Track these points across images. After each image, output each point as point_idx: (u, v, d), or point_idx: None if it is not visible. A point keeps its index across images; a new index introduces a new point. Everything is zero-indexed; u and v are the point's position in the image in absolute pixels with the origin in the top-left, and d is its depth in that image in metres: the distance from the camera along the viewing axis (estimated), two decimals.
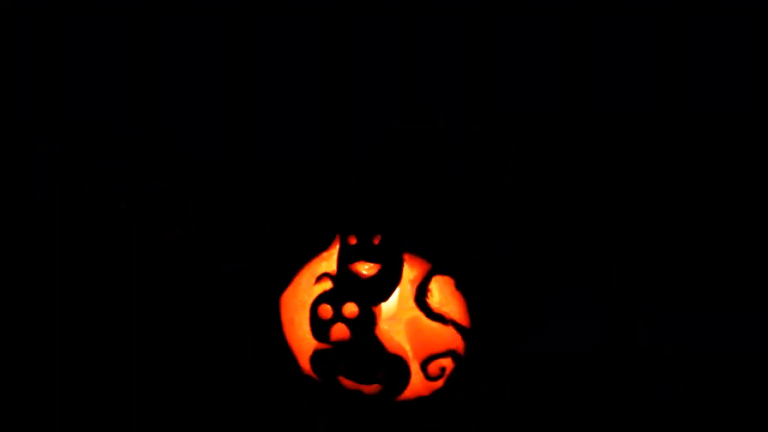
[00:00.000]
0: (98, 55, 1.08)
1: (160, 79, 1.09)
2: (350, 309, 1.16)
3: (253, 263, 1.25)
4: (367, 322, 1.16)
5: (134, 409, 1.01)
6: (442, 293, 1.17)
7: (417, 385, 1.13)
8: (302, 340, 1.18)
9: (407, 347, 1.18)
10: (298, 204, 1.17)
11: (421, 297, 1.17)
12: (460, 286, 1.15)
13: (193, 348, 1.13)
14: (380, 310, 1.20)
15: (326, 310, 1.17)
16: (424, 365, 1.15)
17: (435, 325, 1.16)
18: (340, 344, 1.15)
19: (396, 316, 1.18)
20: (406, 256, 1.16)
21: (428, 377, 1.13)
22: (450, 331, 1.15)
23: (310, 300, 1.16)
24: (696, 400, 0.99)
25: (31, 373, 0.97)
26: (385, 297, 1.18)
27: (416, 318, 1.19)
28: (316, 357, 1.15)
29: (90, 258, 1.09)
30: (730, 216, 1.10)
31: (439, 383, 1.12)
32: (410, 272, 1.18)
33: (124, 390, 1.05)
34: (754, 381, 1.01)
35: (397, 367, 1.14)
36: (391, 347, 1.17)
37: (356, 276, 1.15)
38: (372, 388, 1.11)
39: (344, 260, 1.16)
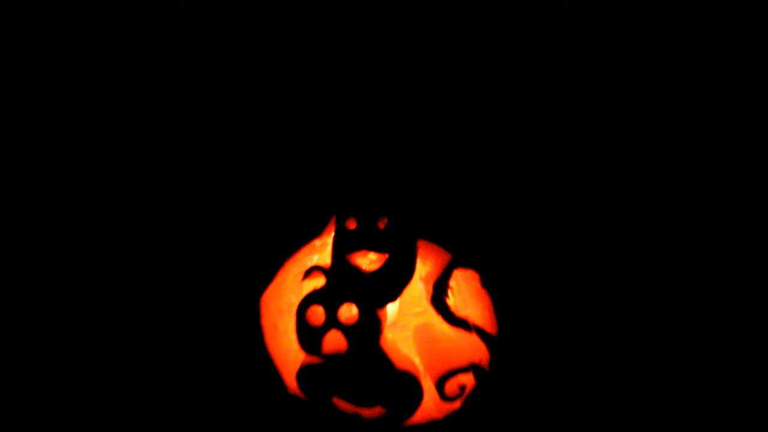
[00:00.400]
0: None
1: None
2: (348, 312, 0.87)
3: (239, 262, 0.95)
4: (369, 329, 0.85)
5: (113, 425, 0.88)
6: (459, 293, 0.88)
7: (429, 406, 0.87)
8: (287, 352, 0.89)
9: (416, 359, 0.90)
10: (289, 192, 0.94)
11: (439, 296, 0.85)
12: (488, 283, 0.86)
13: (174, 359, 0.95)
14: (386, 314, 0.87)
15: (317, 314, 0.86)
16: (440, 384, 0.88)
17: (453, 333, 0.88)
18: (334, 358, 0.86)
19: (400, 323, 0.92)
20: (421, 244, 0.86)
21: (444, 397, 0.87)
22: (473, 339, 0.86)
23: (297, 301, 0.88)
24: None
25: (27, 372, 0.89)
26: (394, 296, 0.86)
27: (428, 325, 0.89)
28: (304, 373, 0.87)
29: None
30: None
31: (457, 404, 0.87)
32: (422, 267, 0.87)
33: (100, 405, 0.92)
34: None
35: (407, 386, 0.88)
36: (399, 362, 0.87)
37: (356, 270, 0.86)
38: (374, 412, 0.85)
39: (341, 249, 0.86)
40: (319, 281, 0.89)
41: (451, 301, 0.87)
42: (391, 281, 0.87)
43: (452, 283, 0.87)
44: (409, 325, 0.91)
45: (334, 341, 0.87)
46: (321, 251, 0.90)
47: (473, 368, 0.88)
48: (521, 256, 0.92)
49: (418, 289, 0.90)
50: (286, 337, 0.90)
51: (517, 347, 0.88)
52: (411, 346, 0.91)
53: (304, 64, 0.95)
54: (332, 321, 0.87)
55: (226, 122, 0.95)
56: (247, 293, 0.89)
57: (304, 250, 0.90)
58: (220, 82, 0.93)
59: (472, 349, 0.87)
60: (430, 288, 0.88)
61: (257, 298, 0.89)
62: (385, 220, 0.84)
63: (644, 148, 0.83)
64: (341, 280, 0.87)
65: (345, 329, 0.87)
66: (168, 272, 0.96)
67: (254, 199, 0.95)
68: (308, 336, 0.88)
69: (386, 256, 0.86)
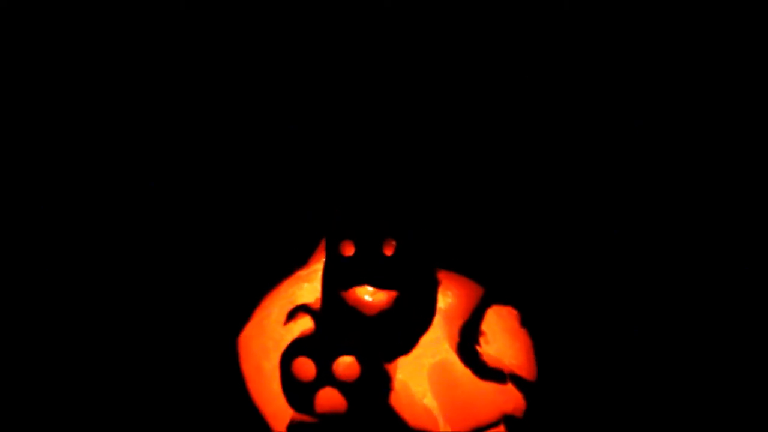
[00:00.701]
0: None
1: None
2: (346, 366, 0.66)
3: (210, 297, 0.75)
4: (375, 388, 0.65)
5: None
6: (488, 328, 0.68)
7: None
8: (276, 399, 0.71)
9: (433, 403, 0.70)
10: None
11: (468, 344, 0.64)
12: (528, 321, 0.66)
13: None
14: (396, 368, 0.66)
15: (306, 367, 0.65)
16: None
17: (484, 382, 0.68)
18: (331, 417, 0.67)
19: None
20: (443, 276, 0.64)
21: None
22: (507, 388, 0.69)
23: (289, 336, 0.68)
24: None
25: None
26: (407, 348, 0.64)
27: (447, 363, 0.68)
28: (294, 429, 0.69)
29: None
30: None
31: None
32: (442, 297, 0.66)
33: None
34: None
35: None
36: (414, 419, 0.68)
37: (355, 312, 0.64)
38: None
39: (334, 284, 0.64)
40: (306, 324, 0.66)
41: (484, 349, 0.64)
42: (403, 328, 0.65)
43: (485, 326, 0.64)
44: (422, 358, 0.71)
45: (330, 399, 0.67)
46: (310, 279, 0.68)
47: (505, 419, 0.69)
48: (568, 288, 0.69)
49: (439, 326, 0.69)
50: (274, 380, 0.70)
51: (559, 392, 0.70)
52: (424, 383, 0.72)
53: (295, 62, 0.72)
54: (326, 377, 0.66)
55: (192, 129, 0.73)
56: (222, 333, 0.70)
57: (288, 283, 0.69)
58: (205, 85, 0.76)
59: (503, 396, 0.69)
60: (456, 332, 0.65)
61: (235, 338, 0.70)
62: (393, 244, 0.63)
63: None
64: (335, 326, 0.65)
65: (343, 387, 0.66)
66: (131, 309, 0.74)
67: (219, 219, 0.70)
68: (296, 392, 0.67)
69: (395, 293, 0.64)
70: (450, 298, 0.67)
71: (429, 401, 0.70)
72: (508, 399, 0.68)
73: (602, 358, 0.74)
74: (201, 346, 0.72)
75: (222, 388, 0.70)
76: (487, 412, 0.69)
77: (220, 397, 0.71)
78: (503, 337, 0.68)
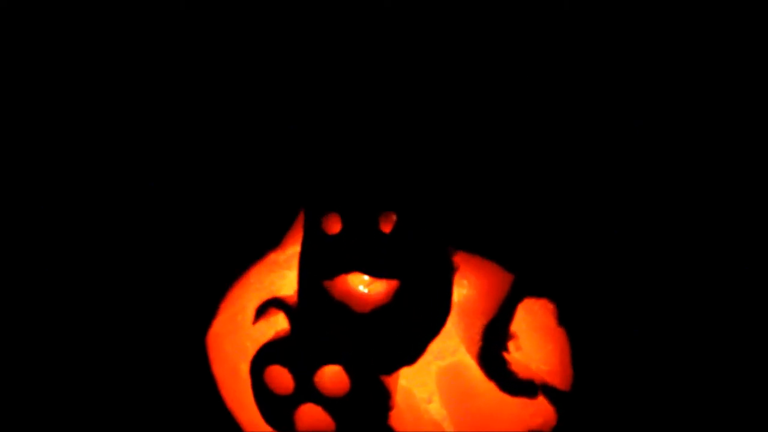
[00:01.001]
0: None
1: None
2: (333, 378, 0.51)
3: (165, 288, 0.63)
4: (369, 405, 0.51)
5: None
6: (515, 326, 0.54)
7: None
8: (254, 405, 0.58)
9: (443, 412, 0.57)
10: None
11: (491, 350, 0.51)
12: (566, 319, 0.52)
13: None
14: (397, 380, 0.52)
15: (282, 377, 0.52)
16: None
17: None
18: None
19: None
20: (460, 258, 0.50)
21: None
22: (535, 399, 0.56)
23: (272, 333, 0.56)
24: None
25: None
26: (412, 356, 0.50)
27: (462, 366, 0.56)
28: None
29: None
30: None
31: None
32: (458, 288, 0.52)
33: None
34: None
35: None
36: None
37: (342, 306, 0.49)
38: None
39: (314, 271, 0.49)
40: (279, 324, 0.51)
41: (513, 356, 0.49)
42: (406, 329, 0.49)
43: (514, 328, 0.48)
44: (430, 359, 0.57)
45: (314, 416, 0.53)
46: (291, 266, 0.54)
47: None
48: (619, 276, 0.54)
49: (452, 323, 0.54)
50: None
51: (597, 404, 0.58)
52: (431, 379, 0.58)
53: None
54: (306, 391, 0.52)
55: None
56: (186, 331, 0.57)
57: (259, 268, 0.54)
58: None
59: (530, 408, 0.57)
60: (477, 335, 0.50)
61: (203, 336, 0.57)
62: (393, 219, 0.48)
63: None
64: (316, 327, 0.50)
65: (328, 403, 0.51)
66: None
67: (171, 193, 0.56)
68: (272, 407, 0.53)
69: (395, 283, 0.49)
70: (468, 289, 0.52)
71: (436, 408, 0.57)
72: (536, 412, 0.56)
73: (650, 362, 0.62)
74: (164, 346, 0.60)
75: (191, 394, 0.59)
76: (510, 428, 0.56)
77: (188, 404, 0.61)
78: (532, 337, 0.55)
